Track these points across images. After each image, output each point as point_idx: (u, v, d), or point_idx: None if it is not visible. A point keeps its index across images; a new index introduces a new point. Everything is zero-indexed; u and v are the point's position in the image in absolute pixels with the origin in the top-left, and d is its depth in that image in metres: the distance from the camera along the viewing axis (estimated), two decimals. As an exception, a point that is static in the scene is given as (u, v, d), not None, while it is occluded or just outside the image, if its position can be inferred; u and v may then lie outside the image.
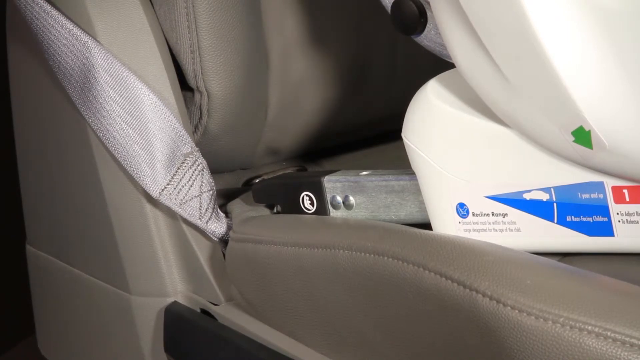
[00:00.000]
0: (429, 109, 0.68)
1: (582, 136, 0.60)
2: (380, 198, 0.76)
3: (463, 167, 0.67)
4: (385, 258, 0.65)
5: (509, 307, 0.57)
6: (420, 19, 0.69)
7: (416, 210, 0.74)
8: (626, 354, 0.53)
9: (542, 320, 0.56)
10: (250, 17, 0.88)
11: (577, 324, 0.55)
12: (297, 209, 0.80)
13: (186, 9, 0.85)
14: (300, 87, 0.93)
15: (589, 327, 0.54)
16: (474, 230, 0.69)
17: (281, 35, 0.91)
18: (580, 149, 0.61)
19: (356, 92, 0.97)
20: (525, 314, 0.57)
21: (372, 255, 0.66)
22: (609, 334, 0.54)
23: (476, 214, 0.68)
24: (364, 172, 0.77)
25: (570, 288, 0.58)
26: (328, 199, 0.77)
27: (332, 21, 0.94)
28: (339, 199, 0.77)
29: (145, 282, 0.86)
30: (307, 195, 0.79)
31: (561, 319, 0.55)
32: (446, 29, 0.65)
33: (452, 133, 0.67)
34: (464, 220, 0.69)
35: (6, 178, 1.23)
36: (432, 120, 0.68)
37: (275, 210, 0.82)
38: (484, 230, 0.68)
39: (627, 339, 0.54)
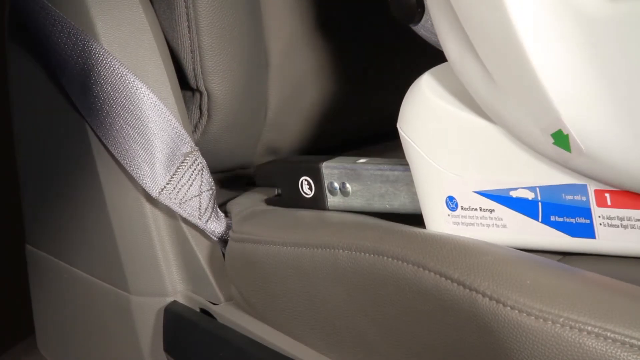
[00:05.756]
0: (423, 102, 0.68)
1: (561, 139, 0.61)
2: (375, 187, 0.76)
3: (453, 161, 0.68)
4: (385, 258, 0.65)
5: (508, 307, 0.57)
6: (417, 8, 0.70)
7: (409, 201, 0.74)
8: (626, 354, 0.53)
9: (541, 320, 0.56)
10: (250, 17, 0.88)
11: (577, 324, 0.55)
12: (297, 193, 0.80)
13: (186, 9, 0.85)
14: (300, 87, 0.93)
15: (589, 328, 0.54)
16: (462, 223, 0.69)
17: (281, 35, 0.91)
18: (560, 151, 0.61)
19: (356, 92, 0.97)
20: (525, 314, 0.57)
21: (372, 255, 0.66)
22: (608, 334, 0.54)
23: (465, 208, 0.69)
24: (361, 160, 0.78)
25: (570, 288, 0.58)
26: (326, 184, 0.78)
27: (332, 21, 0.94)
28: (337, 185, 0.78)
29: (144, 282, 0.86)
30: (306, 180, 0.79)
31: (561, 319, 0.55)
32: (438, 24, 0.65)
33: (443, 127, 0.68)
34: (453, 213, 0.69)
35: (6, 178, 1.23)
36: (425, 113, 0.68)
37: (276, 192, 0.83)
38: (472, 224, 0.69)
39: (626, 339, 0.54)
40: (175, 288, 0.85)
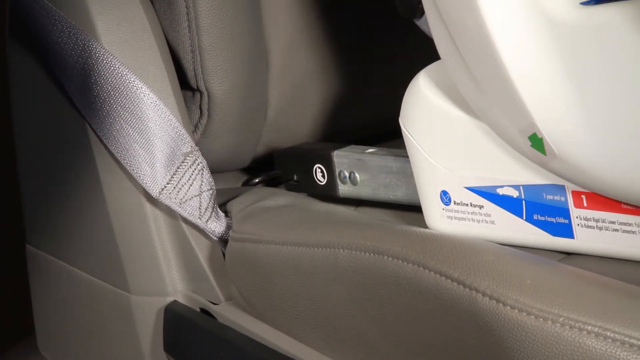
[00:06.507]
0: (419, 98, 0.70)
1: (537, 142, 0.62)
2: (380, 177, 0.79)
3: (446, 156, 0.70)
4: (385, 257, 0.66)
5: (508, 307, 0.57)
6: (418, 4, 0.72)
7: (411, 192, 0.76)
8: (625, 353, 0.53)
9: (541, 319, 0.56)
10: (250, 17, 0.88)
11: (577, 324, 0.55)
12: (311, 180, 0.84)
13: (186, 9, 0.85)
14: (300, 87, 0.93)
15: (589, 327, 0.55)
16: (455, 218, 0.71)
17: (281, 35, 0.91)
18: (537, 153, 0.63)
19: (357, 92, 0.97)
20: (525, 314, 0.57)
21: (372, 254, 0.66)
22: (608, 333, 0.54)
23: (457, 203, 0.70)
24: (370, 150, 0.81)
25: (570, 288, 0.58)
26: (337, 173, 0.80)
27: (332, 20, 0.94)
28: (346, 173, 0.80)
29: (144, 281, 0.86)
30: (319, 167, 0.82)
31: (561, 319, 0.55)
32: (430, 21, 0.67)
33: (437, 123, 0.69)
34: (447, 207, 0.71)
35: (6, 178, 1.23)
36: (421, 109, 0.70)
37: (295, 179, 0.86)
38: (464, 219, 0.70)
39: (626, 339, 0.54)
40: (176, 288, 0.85)
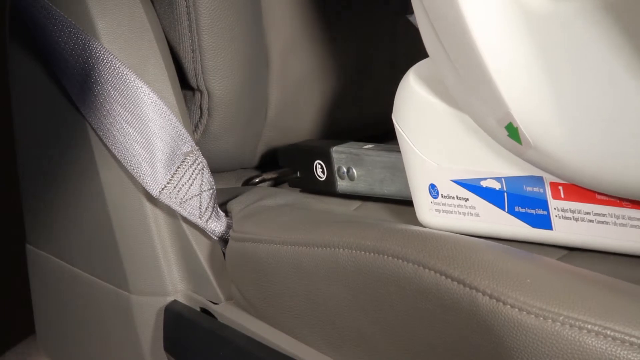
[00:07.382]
0: (409, 93, 0.71)
1: (513, 132, 0.63)
2: (376, 172, 0.81)
3: (433, 150, 0.71)
4: (385, 257, 0.66)
5: (508, 306, 0.57)
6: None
7: (403, 187, 0.77)
8: (626, 352, 0.53)
9: (541, 318, 0.56)
10: (250, 16, 0.88)
11: (577, 323, 0.55)
12: (312, 176, 0.85)
13: (187, 8, 0.85)
14: (300, 86, 0.93)
15: (589, 326, 0.54)
16: (443, 211, 0.72)
17: (281, 34, 0.91)
18: (514, 143, 0.64)
19: (357, 91, 0.97)
20: (525, 313, 0.57)
21: (372, 254, 0.67)
22: (608, 332, 0.54)
23: (444, 196, 0.72)
24: (367, 146, 0.82)
25: (570, 287, 0.58)
26: (336, 168, 0.81)
27: (332, 20, 0.94)
28: (344, 169, 0.81)
29: (145, 281, 0.86)
30: (319, 163, 0.83)
31: (561, 318, 0.55)
32: (417, 17, 0.68)
33: (426, 117, 0.71)
34: (435, 200, 0.72)
35: (6, 178, 1.23)
36: (411, 104, 0.71)
37: (297, 174, 0.87)
38: (451, 212, 0.72)
39: (626, 337, 0.54)
40: (176, 287, 0.85)
